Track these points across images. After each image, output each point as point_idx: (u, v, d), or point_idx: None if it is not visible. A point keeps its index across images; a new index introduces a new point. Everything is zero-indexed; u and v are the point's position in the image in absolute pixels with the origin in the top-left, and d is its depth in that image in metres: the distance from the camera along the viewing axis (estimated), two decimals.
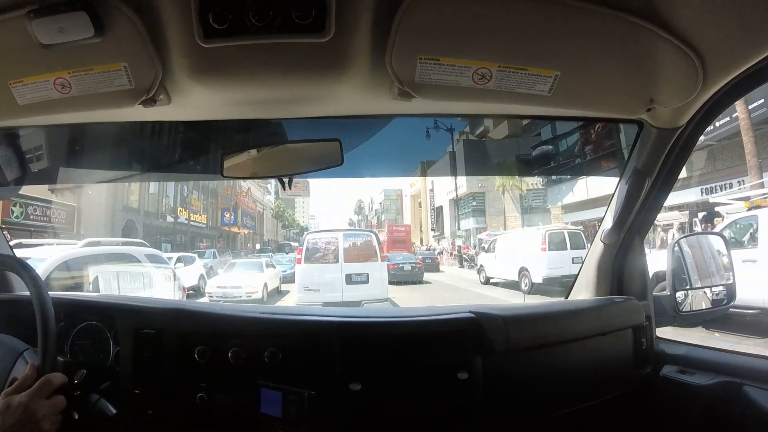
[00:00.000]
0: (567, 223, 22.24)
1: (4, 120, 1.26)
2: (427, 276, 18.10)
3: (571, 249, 12.47)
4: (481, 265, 16.70)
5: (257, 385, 1.27)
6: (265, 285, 11.98)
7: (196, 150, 1.71)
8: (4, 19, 0.90)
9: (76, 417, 1.09)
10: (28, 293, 1.11)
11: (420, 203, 43.22)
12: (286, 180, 1.37)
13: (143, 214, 26.29)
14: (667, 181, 1.47)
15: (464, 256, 25.79)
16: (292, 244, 41.42)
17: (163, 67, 1.01)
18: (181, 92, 1.10)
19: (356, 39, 0.96)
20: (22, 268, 1.13)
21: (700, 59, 1.00)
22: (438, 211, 38.80)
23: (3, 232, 1.72)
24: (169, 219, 29.74)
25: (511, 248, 14.14)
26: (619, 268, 1.64)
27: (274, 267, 15.05)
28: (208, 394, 1.28)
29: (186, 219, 31.09)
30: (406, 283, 14.56)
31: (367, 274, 9.22)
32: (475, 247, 28.65)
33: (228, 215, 36.57)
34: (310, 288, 9.01)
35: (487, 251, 16.73)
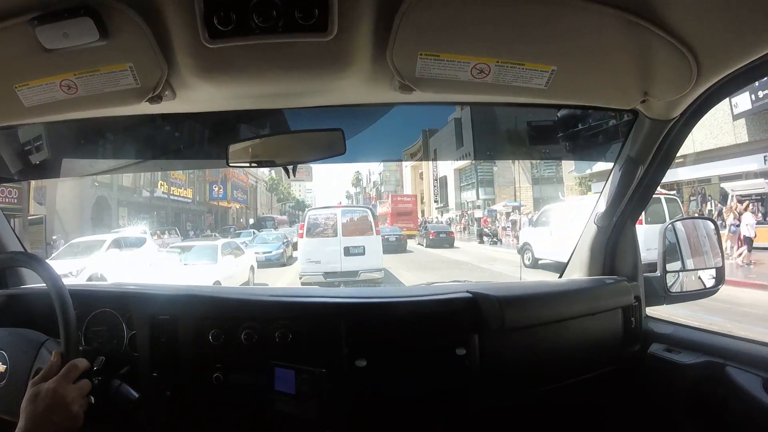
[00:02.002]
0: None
1: (10, 121, 1.36)
2: (440, 253, 18.27)
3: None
4: (526, 243, 13.86)
5: (270, 364, 1.41)
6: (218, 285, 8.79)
7: (201, 139, 1.82)
8: (8, 25, 0.97)
9: (93, 401, 1.19)
10: (38, 285, 1.24)
11: (421, 174, 42.34)
12: (290, 168, 1.49)
13: (117, 189, 25.30)
14: (659, 169, 1.60)
15: (485, 230, 24.69)
16: (277, 217, 39.54)
17: (169, 67, 1.09)
18: (186, 88, 1.18)
19: (358, 37, 1.03)
20: (37, 263, 1.21)
21: (694, 57, 1.09)
22: (442, 182, 38.17)
23: (12, 228, 1.83)
24: (148, 194, 28.65)
25: (574, 220, 10.20)
26: (612, 250, 1.80)
27: (242, 251, 12.27)
28: (224, 374, 1.43)
29: (164, 193, 29.99)
30: (391, 252, 16.51)
31: (364, 247, 10.47)
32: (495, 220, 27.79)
33: (217, 189, 36.03)
34: (312, 260, 10.29)
35: (535, 225, 14.35)
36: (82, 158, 1.97)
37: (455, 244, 22.77)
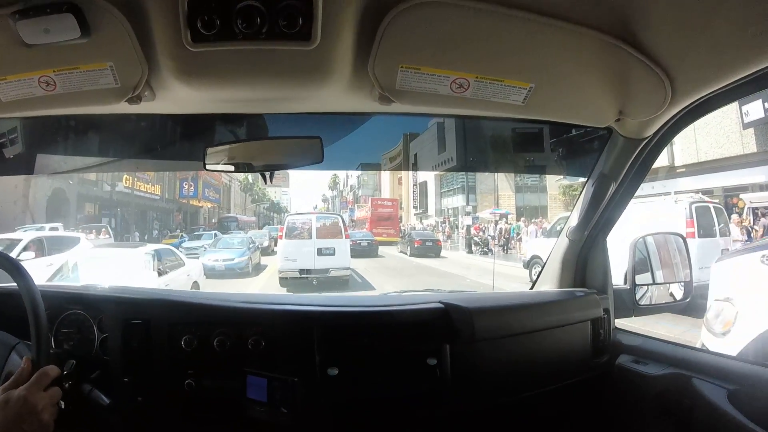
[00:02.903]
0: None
1: None
2: (427, 263, 18.02)
3: (720, 235, 9.57)
4: (536, 257, 12.54)
5: (243, 371, 1.47)
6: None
7: (179, 141, 1.84)
8: None
9: (63, 407, 1.21)
10: (8, 285, 1.25)
11: (400, 179, 41.68)
12: (267, 174, 1.51)
13: (77, 182, 23.66)
14: (630, 186, 1.70)
15: (475, 239, 23.62)
16: (241, 218, 37.54)
17: (150, 68, 1.11)
18: (166, 90, 1.20)
19: (340, 47, 1.06)
20: (8, 262, 1.22)
21: (669, 79, 1.17)
22: (422, 188, 37.64)
23: None
24: (114, 188, 27.07)
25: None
26: (583, 263, 1.90)
27: (181, 262, 10.10)
28: (196, 381, 1.47)
29: (127, 187, 28.14)
30: (362, 257, 17.58)
31: (334, 248, 12.51)
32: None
33: (187, 186, 34.82)
34: (290, 258, 12.24)
35: (548, 235, 13.59)
36: (56, 155, 1.97)
37: (441, 254, 22.07)
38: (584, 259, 1.90)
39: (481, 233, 24.67)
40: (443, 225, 31.81)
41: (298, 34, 0.98)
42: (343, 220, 14.27)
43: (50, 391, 1.15)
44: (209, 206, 39.67)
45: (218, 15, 0.95)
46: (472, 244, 23.46)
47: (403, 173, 40.09)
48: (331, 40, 1.02)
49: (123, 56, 1.07)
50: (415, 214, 37.78)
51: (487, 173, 31.24)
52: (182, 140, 1.84)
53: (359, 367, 1.51)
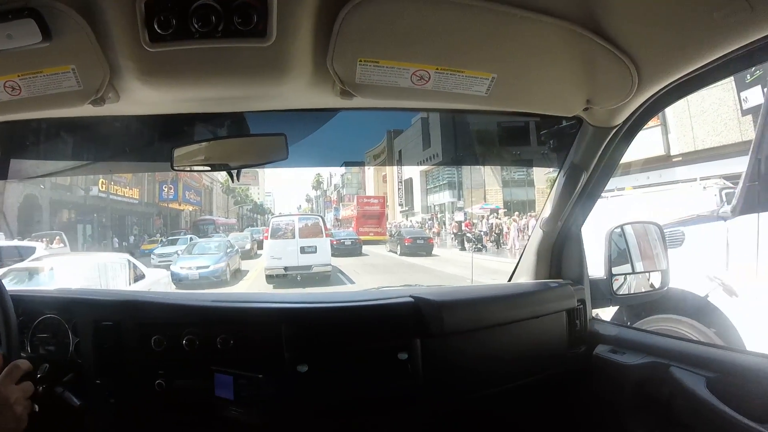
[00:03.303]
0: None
1: None
2: (419, 263, 17.99)
3: None
4: None
5: (211, 370, 1.48)
6: None
7: (146, 143, 1.86)
8: None
9: (37, 409, 1.24)
10: None
11: (384, 176, 41.27)
12: (234, 172, 1.53)
13: (50, 187, 23.30)
14: (602, 176, 1.73)
15: (468, 235, 23.26)
16: (219, 220, 36.94)
17: (111, 69, 1.13)
18: (129, 91, 1.23)
19: (298, 43, 1.09)
20: None
21: (634, 66, 1.20)
22: (407, 185, 37.53)
23: None
24: (88, 192, 26.52)
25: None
26: (558, 254, 1.93)
27: (142, 276, 8.45)
28: (166, 381, 1.48)
29: (102, 191, 27.67)
30: (347, 255, 18.93)
31: (316, 246, 13.75)
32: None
33: (167, 189, 34.64)
34: (275, 256, 13.48)
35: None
36: (29, 159, 1.98)
37: (433, 252, 21.84)
38: (559, 250, 1.94)
39: (473, 229, 24.39)
40: (431, 222, 31.67)
41: (254, 31, 1.01)
42: (323, 221, 15.83)
43: (22, 385, 1.18)
44: (190, 209, 39.30)
45: (174, 15, 0.98)
46: (464, 241, 23.16)
47: (388, 171, 39.89)
48: (287, 36, 1.05)
49: (84, 59, 1.10)
50: (400, 212, 37.65)
51: (473, 169, 31.08)
52: (151, 141, 1.86)
53: (329, 363, 1.53)
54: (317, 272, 13.32)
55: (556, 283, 1.88)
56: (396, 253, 21.93)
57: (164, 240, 25.06)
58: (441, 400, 1.62)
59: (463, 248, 22.78)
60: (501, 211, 26.57)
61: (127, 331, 1.53)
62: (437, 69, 1.18)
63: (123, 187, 30.07)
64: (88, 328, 1.55)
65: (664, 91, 1.35)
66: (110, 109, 1.31)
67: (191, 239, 21.26)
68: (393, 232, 26.24)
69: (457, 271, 14.98)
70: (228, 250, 15.68)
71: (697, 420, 1.37)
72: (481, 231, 23.80)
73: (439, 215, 32.24)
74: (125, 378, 1.52)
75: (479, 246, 21.83)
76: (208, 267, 13.65)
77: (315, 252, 13.48)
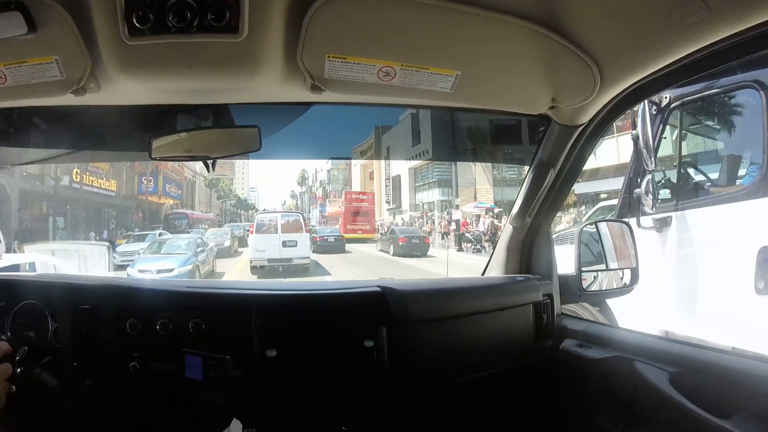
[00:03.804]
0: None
1: None
2: (414, 264, 17.76)
3: None
4: None
5: (181, 352, 1.56)
6: None
7: (125, 132, 1.94)
8: None
9: (14, 389, 1.32)
10: None
11: (371, 174, 41.16)
12: (210, 162, 1.62)
13: (19, 177, 22.64)
14: (570, 173, 1.83)
15: (467, 235, 22.80)
16: (193, 214, 35.35)
17: (93, 61, 1.19)
18: (110, 82, 1.29)
19: (269, 38, 1.15)
20: None
21: (596, 65, 1.26)
22: (395, 182, 37.26)
23: None
24: (59, 183, 25.59)
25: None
26: (528, 249, 2.03)
27: None
28: (140, 363, 1.57)
29: (78, 183, 26.94)
30: (330, 252, 20.61)
31: (296, 241, 15.69)
32: (450, 223, 26.00)
33: (146, 182, 34.38)
34: (259, 249, 15.25)
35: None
36: (9, 147, 2.05)
37: (428, 252, 21.36)
38: (529, 246, 2.03)
39: (470, 228, 23.85)
40: (421, 220, 31.54)
41: (226, 27, 1.07)
42: (303, 218, 18.12)
43: (1, 366, 1.25)
44: (171, 203, 38.73)
45: (152, 10, 1.04)
46: (461, 241, 22.82)
47: (375, 167, 39.51)
48: (258, 32, 1.11)
49: (67, 50, 1.16)
50: (387, 210, 37.46)
51: (464, 167, 30.93)
52: (130, 131, 1.93)
53: (297, 349, 1.60)
54: (297, 264, 15.19)
55: (523, 277, 1.98)
56: (388, 252, 21.74)
57: (132, 236, 23.89)
58: (406, 388, 1.69)
59: (460, 248, 22.47)
60: (497, 210, 26.29)
61: (103, 314, 1.61)
62: (402, 66, 1.25)
63: (99, 178, 29.58)
64: (66, 311, 1.63)
65: (629, 91, 1.42)
66: (91, 98, 1.37)
67: (160, 235, 20.73)
68: (385, 231, 25.84)
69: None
70: (199, 250, 14.95)
71: (659, 413, 1.43)
72: (479, 230, 23.25)
73: (429, 213, 32.04)
74: (101, 360, 1.60)
75: (478, 246, 21.42)
76: (171, 270, 12.33)
77: (296, 246, 15.45)
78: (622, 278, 2.11)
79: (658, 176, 3.97)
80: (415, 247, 20.82)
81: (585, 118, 1.60)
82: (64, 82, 1.25)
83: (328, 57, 1.22)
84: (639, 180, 3.74)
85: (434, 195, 32.55)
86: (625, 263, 2.09)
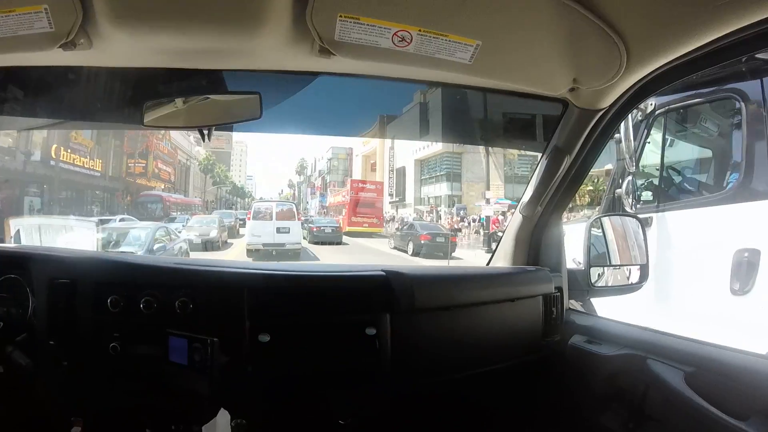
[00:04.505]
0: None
1: None
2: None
3: None
4: None
5: (165, 333, 1.51)
6: None
7: (117, 98, 1.90)
8: None
9: (2, 370, 1.32)
10: None
11: (373, 165, 40.52)
12: (206, 131, 1.60)
13: None
14: (586, 161, 1.83)
15: (500, 234, 20.34)
16: (171, 198, 32.45)
17: (84, 11, 1.16)
18: (102, 37, 1.26)
19: None
20: None
21: (624, 44, 1.25)
22: (399, 173, 36.64)
23: None
24: (29, 157, 23.54)
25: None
26: (537, 241, 2.03)
27: None
28: (121, 344, 1.51)
29: (54, 159, 25.21)
30: (327, 243, 21.28)
31: (289, 228, 17.59)
32: (463, 219, 25.54)
33: (133, 163, 33.29)
34: (255, 234, 17.15)
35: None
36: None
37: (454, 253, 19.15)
38: (538, 237, 2.03)
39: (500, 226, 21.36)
40: (431, 215, 30.85)
41: None
42: (296, 207, 20.95)
43: None
44: (162, 187, 36.86)
45: None
46: (491, 241, 20.14)
47: (378, 158, 39.05)
48: None
49: None
50: (390, 203, 36.53)
51: (474, 161, 30.84)
52: (120, 97, 1.91)
53: (292, 335, 1.57)
54: (289, 249, 16.94)
55: (534, 267, 1.98)
56: (406, 252, 19.82)
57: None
58: (408, 380, 1.68)
59: (489, 249, 20.04)
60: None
61: (83, 290, 1.56)
62: (420, 31, 1.23)
63: (82, 156, 28.29)
64: (43, 285, 1.58)
65: (654, 75, 1.41)
66: (81, 57, 1.38)
67: (121, 220, 18.42)
68: (402, 226, 24.12)
69: None
70: (158, 246, 11.81)
71: (672, 414, 1.44)
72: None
73: (438, 208, 31.57)
74: (79, 339, 1.55)
75: None
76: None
77: (288, 232, 17.42)
78: (628, 275, 2.12)
79: (641, 179, 4.40)
80: (439, 246, 19.00)
81: (606, 103, 1.60)
82: (53, 34, 1.23)
83: (340, 17, 1.19)
84: (620, 181, 4.16)
85: (442, 189, 32.21)
86: (635, 259, 2.10)
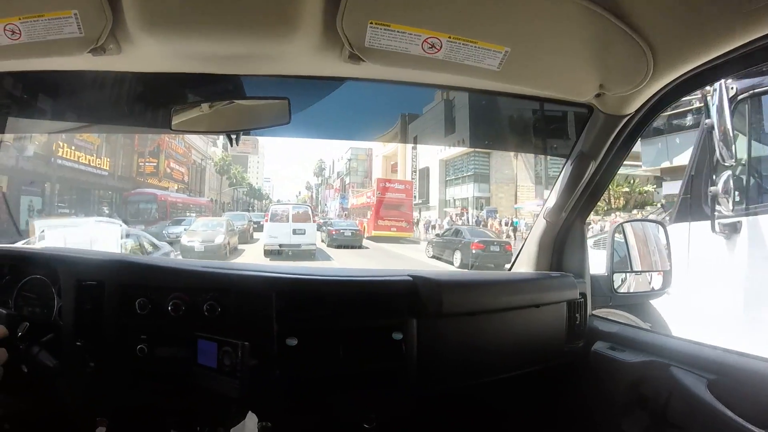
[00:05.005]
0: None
1: None
2: None
3: None
4: None
5: (194, 336, 1.59)
6: None
7: (146, 103, 2.01)
8: None
9: (26, 370, 1.39)
10: None
11: (394, 165, 40.04)
12: (234, 136, 1.69)
13: None
14: (611, 166, 1.90)
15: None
16: (169, 197, 28.36)
17: (114, 17, 1.22)
18: (131, 43, 1.33)
19: None
20: None
21: (651, 50, 1.30)
22: (423, 174, 36.21)
23: None
24: (22, 152, 21.70)
25: None
26: (560, 246, 2.12)
27: None
28: (149, 346, 1.61)
29: (59, 157, 24.37)
30: (346, 246, 22.12)
31: (305, 229, 19.33)
32: (508, 224, 24.48)
33: (143, 162, 32.63)
34: (272, 236, 18.96)
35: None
36: (25, 116, 2.15)
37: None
38: (561, 242, 2.12)
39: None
40: (462, 218, 29.93)
41: None
42: (311, 210, 23.17)
43: None
44: (175, 188, 35.93)
45: None
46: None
47: (400, 159, 38.53)
48: None
49: (87, 4, 1.21)
50: (413, 204, 34.74)
51: (502, 162, 30.54)
52: (149, 102, 2.01)
53: (320, 339, 1.65)
54: (305, 249, 18.73)
55: (558, 273, 2.06)
56: (451, 263, 17.80)
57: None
58: (434, 386, 1.75)
59: None
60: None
61: (110, 292, 1.65)
62: (449, 37, 1.28)
63: (89, 154, 27.43)
64: (71, 286, 1.66)
65: (681, 80, 1.46)
66: (110, 62, 1.45)
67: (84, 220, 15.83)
68: (445, 231, 21.79)
69: None
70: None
71: (694, 421, 1.50)
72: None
73: (472, 210, 30.97)
74: (106, 341, 1.64)
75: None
76: None
77: (304, 234, 19.25)
78: (650, 281, 2.19)
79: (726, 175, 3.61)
80: (494, 257, 16.49)
81: (632, 108, 1.66)
82: (83, 39, 1.29)
83: (371, 23, 1.25)
84: (713, 177, 3.56)
85: (469, 190, 31.94)
86: (656, 265, 2.18)
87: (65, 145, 24.98)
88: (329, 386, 1.68)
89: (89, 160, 27.78)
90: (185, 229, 19.42)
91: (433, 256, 19.68)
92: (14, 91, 1.97)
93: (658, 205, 21.48)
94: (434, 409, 1.91)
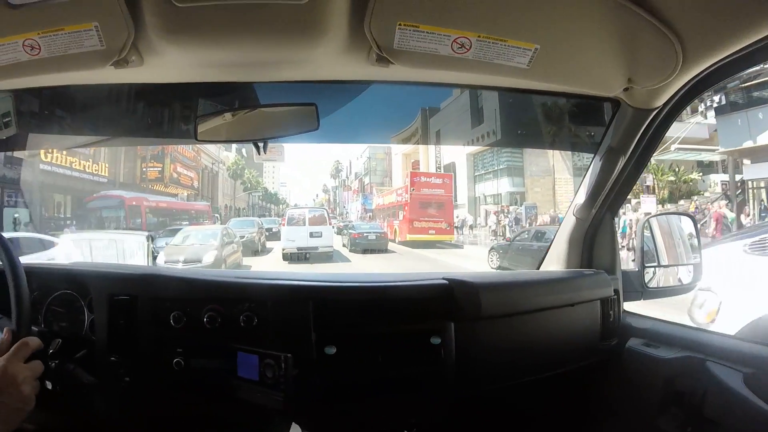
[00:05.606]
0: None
1: None
2: None
3: None
4: None
5: (234, 349, 1.67)
6: None
7: (170, 113, 2.12)
8: None
9: (50, 386, 1.49)
10: None
11: (415, 163, 37.89)
12: (261, 144, 1.74)
13: None
14: (640, 160, 1.99)
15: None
16: (143, 201, 26.85)
17: (136, 28, 1.28)
18: (154, 53, 1.40)
19: (334, 2, 1.23)
20: None
21: (680, 42, 1.34)
22: (448, 170, 33.69)
23: None
24: (22, 163, 21.25)
25: None
26: (590, 243, 2.21)
27: None
28: (185, 359, 1.68)
29: (46, 162, 23.94)
30: (372, 251, 21.99)
31: (321, 232, 20.45)
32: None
33: (144, 166, 32.77)
34: (290, 239, 20.14)
35: None
36: (45, 132, 2.28)
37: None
38: (591, 238, 2.21)
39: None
40: (501, 215, 28.39)
41: None
42: (327, 212, 23.73)
43: (31, 364, 1.34)
44: (185, 194, 35.68)
45: None
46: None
47: (421, 155, 37.46)
48: None
49: (108, 15, 1.27)
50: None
51: (536, 153, 30.12)
52: (173, 112, 2.13)
53: (358, 346, 1.72)
54: (322, 252, 19.91)
55: (591, 271, 2.16)
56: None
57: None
58: (472, 388, 1.85)
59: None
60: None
61: (144, 306, 1.74)
62: (479, 37, 1.34)
63: (84, 159, 27.80)
64: (103, 301, 1.75)
65: (710, 70, 1.50)
66: (133, 74, 1.52)
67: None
68: (521, 234, 19.84)
69: None
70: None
71: (731, 416, 1.56)
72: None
73: (511, 208, 29.45)
74: (141, 355, 1.72)
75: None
76: None
77: (321, 236, 20.42)
78: (677, 274, 2.29)
79: None
80: None
81: (660, 101, 1.72)
82: (104, 52, 1.36)
83: (400, 25, 1.30)
84: None
85: (502, 186, 31.62)
86: (682, 258, 2.29)
87: (54, 150, 23.68)
88: (368, 392, 1.75)
89: (84, 166, 27.69)
90: (166, 243, 16.58)
91: (500, 267, 16.19)
92: (35, 107, 2.08)
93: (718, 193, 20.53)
94: (469, 413, 2.00)
